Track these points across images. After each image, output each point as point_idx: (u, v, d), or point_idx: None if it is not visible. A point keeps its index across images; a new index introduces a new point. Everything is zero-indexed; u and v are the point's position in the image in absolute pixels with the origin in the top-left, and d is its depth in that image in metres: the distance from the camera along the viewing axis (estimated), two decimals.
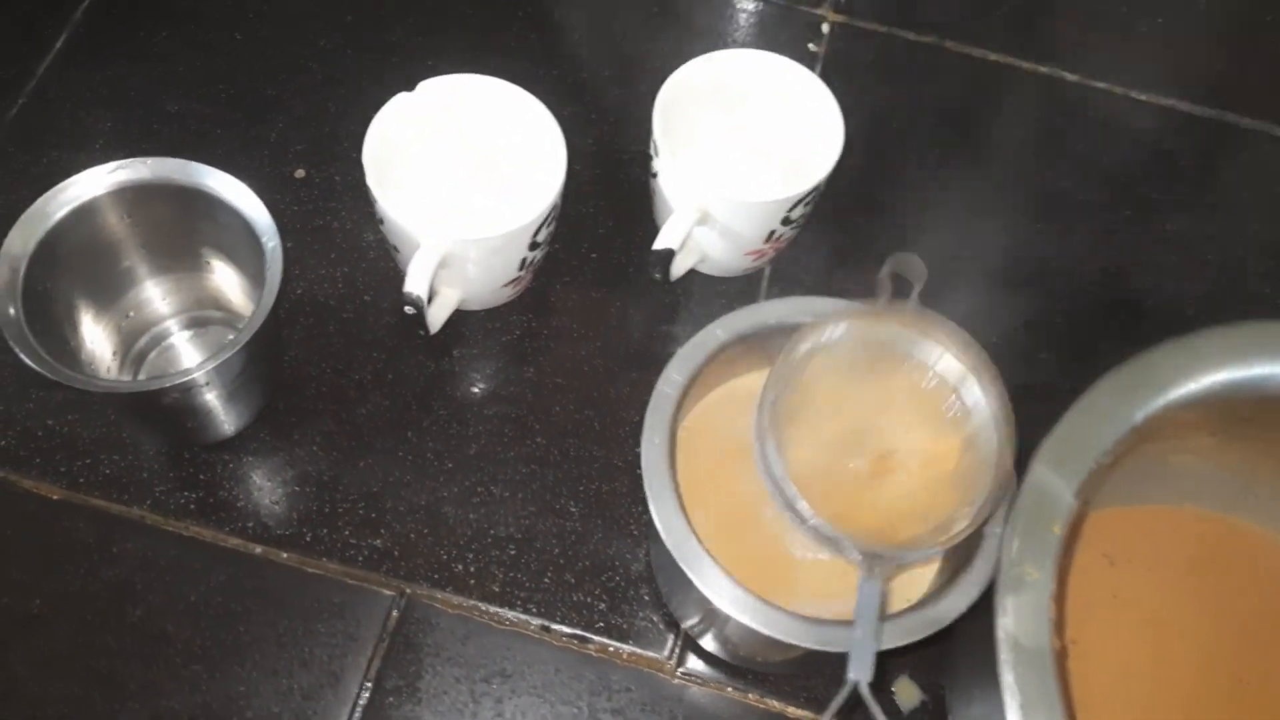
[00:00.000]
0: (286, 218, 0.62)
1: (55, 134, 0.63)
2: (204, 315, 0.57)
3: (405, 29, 0.69)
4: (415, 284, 0.51)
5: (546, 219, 0.54)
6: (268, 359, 0.54)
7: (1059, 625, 0.35)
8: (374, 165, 0.53)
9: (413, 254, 0.52)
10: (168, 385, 0.46)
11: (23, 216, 0.46)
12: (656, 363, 0.59)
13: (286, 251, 0.60)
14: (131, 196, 0.49)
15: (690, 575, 0.43)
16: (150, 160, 0.49)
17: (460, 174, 0.60)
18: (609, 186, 0.65)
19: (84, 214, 0.48)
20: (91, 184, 0.48)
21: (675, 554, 0.44)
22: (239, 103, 0.65)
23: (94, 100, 0.65)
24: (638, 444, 0.57)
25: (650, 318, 0.61)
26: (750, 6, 0.72)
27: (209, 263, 0.54)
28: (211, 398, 0.50)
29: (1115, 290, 0.64)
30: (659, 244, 0.55)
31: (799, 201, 0.55)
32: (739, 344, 0.49)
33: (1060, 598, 0.36)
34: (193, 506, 0.54)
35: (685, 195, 0.55)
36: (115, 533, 0.54)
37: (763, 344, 0.50)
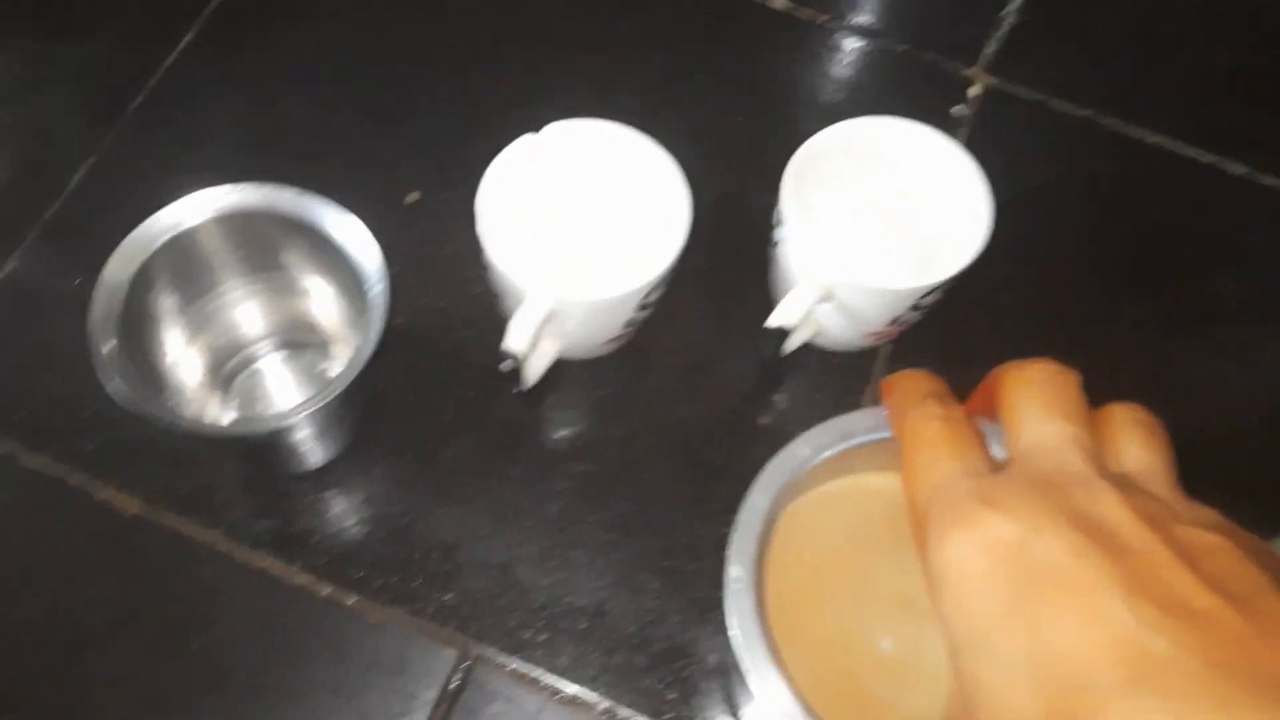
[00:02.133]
0: (393, 242, 0.59)
1: (175, 128, 0.63)
2: (295, 338, 0.56)
3: (537, 54, 0.66)
4: (516, 340, 0.49)
5: (659, 283, 0.51)
6: (359, 398, 0.53)
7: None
8: (488, 209, 0.51)
9: (516, 306, 0.50)
10: (257, 430, 0.44)
11: (123, 244, 0.45)
12: (755, 436, 0.57)
13: (389, 281, 0.59)
14: (236, 224, 0.48)
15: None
16: (261, 187, 0.48)
17: (577, 224, 0.57)
18: (728, 242, 0.62)
19: (185, 241, 0.47)
20: (195, 210, 0.47)
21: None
22: (361, 111, 0.64)
23: (217, 96, 0.64)
24: (726, 524, 0.54)
25: (755, 388, 0.58)
26: (895, 57, 0.68)
27: (305, 287, 0.53)
28: (299, 437, 0.49)
29: None
30: (773, 321, 0.52)
31: (932, 290, 0.51)
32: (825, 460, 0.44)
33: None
34: (267, 537, 0.53)
35: (807, 272, 0.52)
36: (187, 556, 0.53)
37: (849, 459, 0.44)
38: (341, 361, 0.56)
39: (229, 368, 0.54)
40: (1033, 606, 0.26)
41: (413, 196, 0.62)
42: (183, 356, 0.50)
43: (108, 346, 0.43)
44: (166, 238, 0.46)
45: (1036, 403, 0.31)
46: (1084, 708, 0.24)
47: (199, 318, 0.51)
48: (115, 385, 0.42)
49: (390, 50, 0.66)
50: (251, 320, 0.54)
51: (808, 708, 0.36)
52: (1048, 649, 0.25)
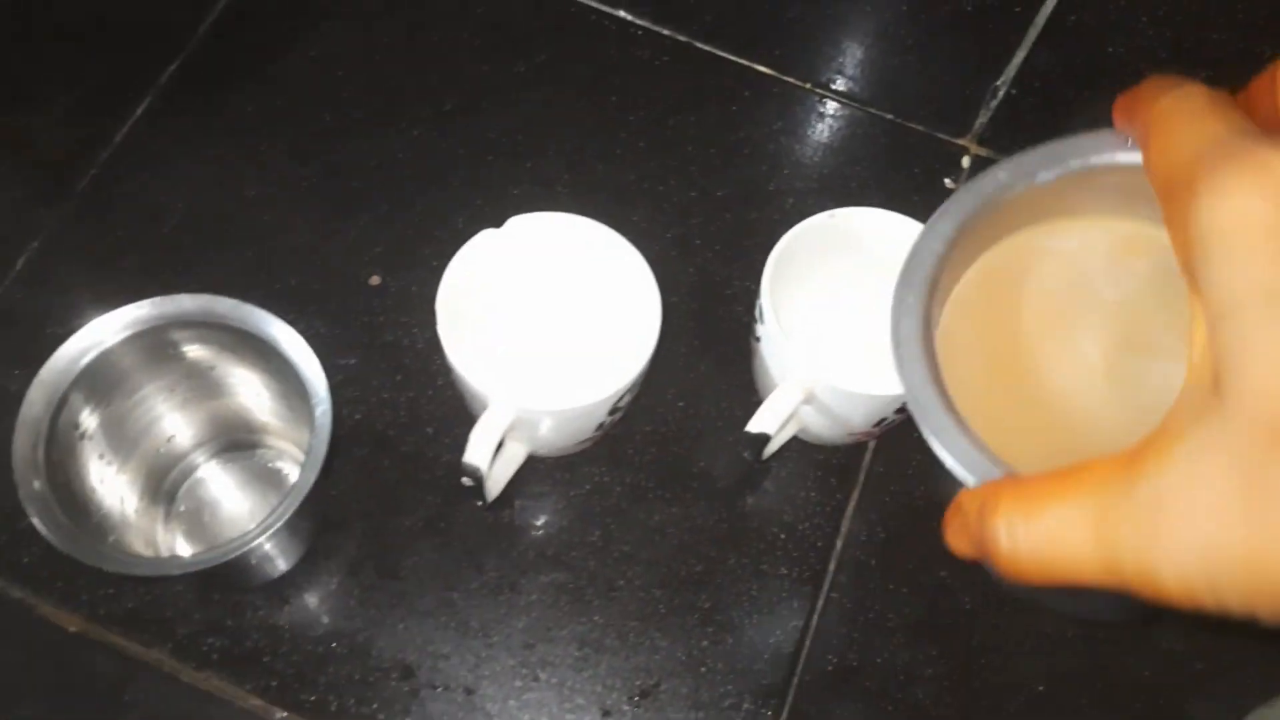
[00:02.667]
0: (355, 329, 0.57)
1: (125, 212, 0.59)
2: (234, 440, 0.53)
3: (505, 123, 0.63)
4: (477, 455, 0.46)
5: (630, 388, 0.48)
6: (314, 505, 0.49)
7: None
8: (448, 309, 0.48)
9: (480, 411, 0.47)
10: (195, 569, 0.41)
11: (40, 374, 0.42)
12: (736, 540, 0.54)
13: (348, 369, 0.56)
14: (154, 339, 0.45)
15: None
16: (195, 298, 0.45)
17: (543, 325, 0.54)
18: (707, 325, 0.59)
19: (103, 363, 0.44)
20: (111, 330, 0.44)
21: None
22: (320, 192, 0.61)
23: (170, 177, 0.60)
24: (706, 638, 0.52)
25: (736, 486, 0.55)
26: (884, 125, 0.65)
27: (234, 385, 0.50)
28: (247, 559, 0.45)
29: None
30: (754, 426, 0.49)
31: None
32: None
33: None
34: (216, 656, 0.50)
35: (789, 374, 0.49)
36: (132, 676, 0.49)
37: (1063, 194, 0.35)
38: (286, 455, 0.53)
39: (169, 483, 0.51)
40: None
41: (374, 280, 0.59)
42: (116, 481, 0.47)
43: (36, 484, 0.40)
44: (85, 362, 0.43)
45: None
46: None
47: (128, 437, 0.48)
48: (48, 528, 0.39)
49: (354, 124, 0.63)
50: (183, 430, 0.51)
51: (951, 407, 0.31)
52: None
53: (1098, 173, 0.33)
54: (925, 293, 0.33)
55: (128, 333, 0.44)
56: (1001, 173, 0.33)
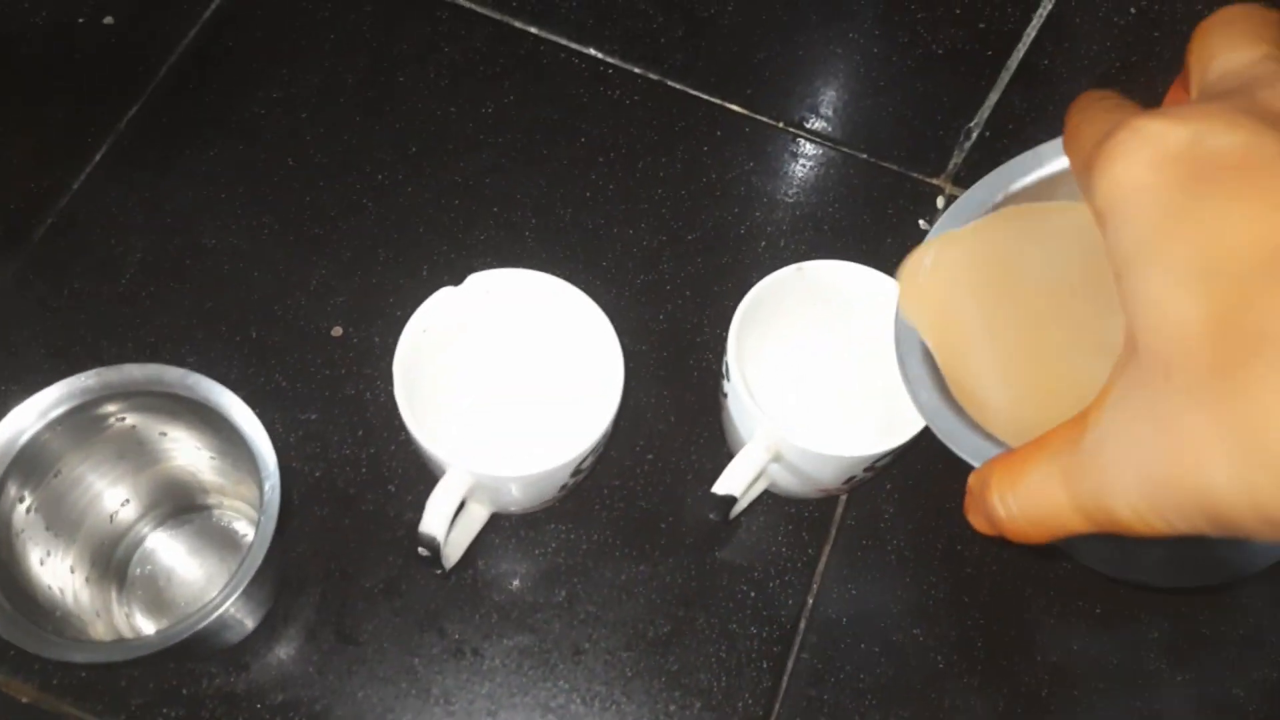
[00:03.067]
0: (316, 383, 0.56)
1: (82, 264, 0.58)
2: (183, 504, 0.52)
3: (471, 166, 0.62)
4: (432, 524, 0.45)
5: (593, 449, 0.47)
6: (271, 569, 0.48)
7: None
8: (405, 371, 0.47)
9: (438, 475, 0.46)
10: (147, 654, 0.40)
11: None
12: (706, 599, 0.53)
13: (308, 424, 0.54)
14: (83, 418, 0.44)
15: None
16: (141, 368, 0.44)
17: (504, 383, 0.53)
18: (677, 374, 0.58)
19: (33, 447, 0.43)
20: (37, 413, 0.43)
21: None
22: (282, 240, 0.59)
23: (127, 224, 0.59)
24: (674, 704, 0.51)
25: (704, 541, 0.54)
26: (858, 165, 0.63)
27: (186, 454, 0.49)
28: (201, 633, 0.44)
29: None
30: (720, 488, 0.47)
31: (884, 456, 0.47)
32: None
33: None
34: None
35: (755, 433, 0.48)
36: None
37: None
38: (240, 515, 0.52)
39: (119, 554, 0.50)
40: (1204, 202, 0.24)
41: (336, 331, 0.57)
42: (64, 556, 0.46)
43: None
44: (14, 452, 0.42)
45: (1235, 32, 0.28)
46: (1255, 297, 0.22)
47: (73, 512, 0.46)
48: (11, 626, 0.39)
49: (316, 170, 0.61)
50: (130, 499, 0.50)
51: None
52: (1219, 242, 0.23)
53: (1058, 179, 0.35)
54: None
55: (68, 406, 0.43)
56: (979, 191, 0.36)
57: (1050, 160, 0.35)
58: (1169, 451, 0.24)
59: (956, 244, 0.36)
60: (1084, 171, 0.28)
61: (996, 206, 0.36)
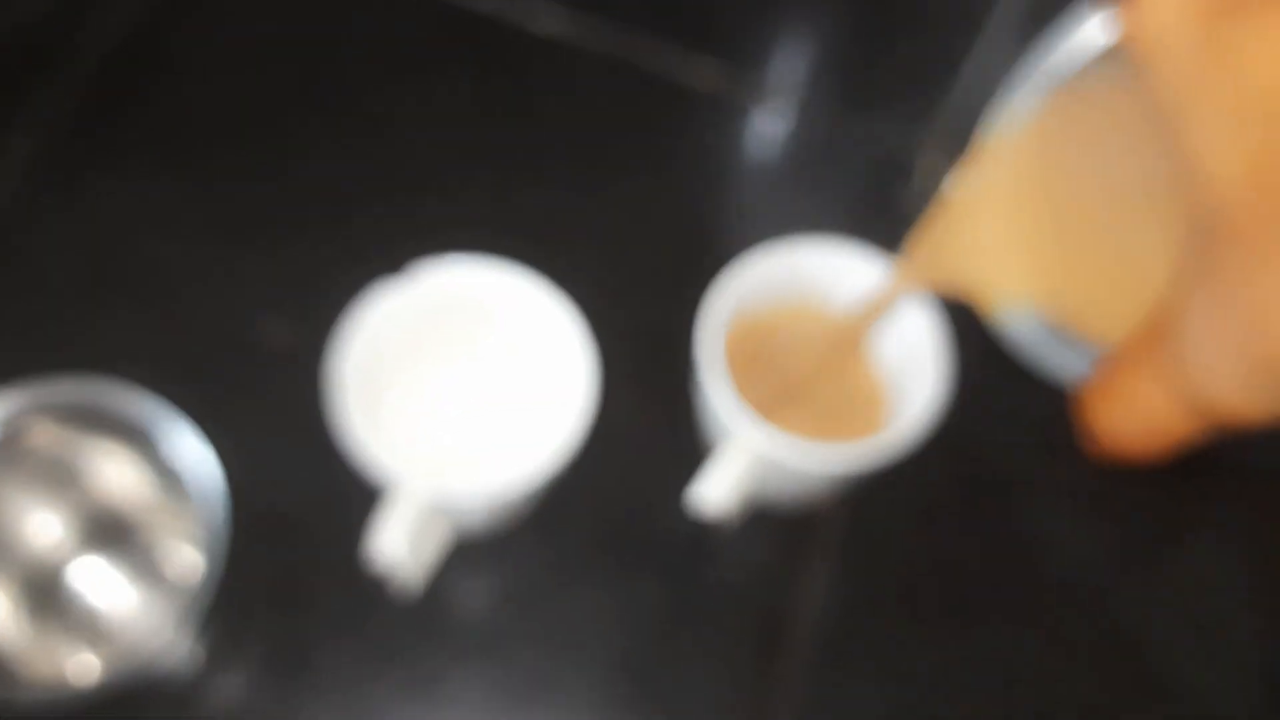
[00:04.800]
0: (261, 397, 0.52)
1: (7, 277, 0.54)
2: (114, 532, 0.48)
3: (424, 156, 0.58)
4: (389, 547, 0.41)
5: (565, 461, 0.43)
6: (213, 612, 0.44)
7: None
8: (345, 379, 0.43)
9: (392, 494, 0.42)
10: (95, 693, 0.37)
11: None
12: (684, 619, 0.49)
13: (251, 442, 0.51)
14: (21, 431, 0.41)
15: None
16: (69, 385, 0.40)
17: (460, 390, 0.49)
18: (649, 371, 0.54)
19: None
20: None
21: None
22: (217, 243, 0.55)
23: (56, 235, 0.55)
24: None
25: (684, 555, 0.51)
26: (831, 140, 0.60)
27: (113, 475, 0.45)
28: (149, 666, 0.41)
29: None
30: (698, 492, 0.44)
31: (875, 451, 0.44)
32: None
33: None
34: None
35: (732, 437, 0.44)
36: None
37: None
38: (178, 538, 0.48)
39: (53, 590, 0.46)
40: (1229, 41, 0.23)
41: (280, 339, 0.53)
42: None
43: None
44: None
45: None
46: None
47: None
48: None
49: (253, 165, 0.57)
50: (58, 529, 0.46)
51: None
52: (1250, 84, 0.23)
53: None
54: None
55: None
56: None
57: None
58: (1255, 326, 0.23)
59: (999, 162, 0.37)
60: (1123, 23, 0.27)
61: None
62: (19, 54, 0.59)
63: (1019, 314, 0.36)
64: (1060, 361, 0.35)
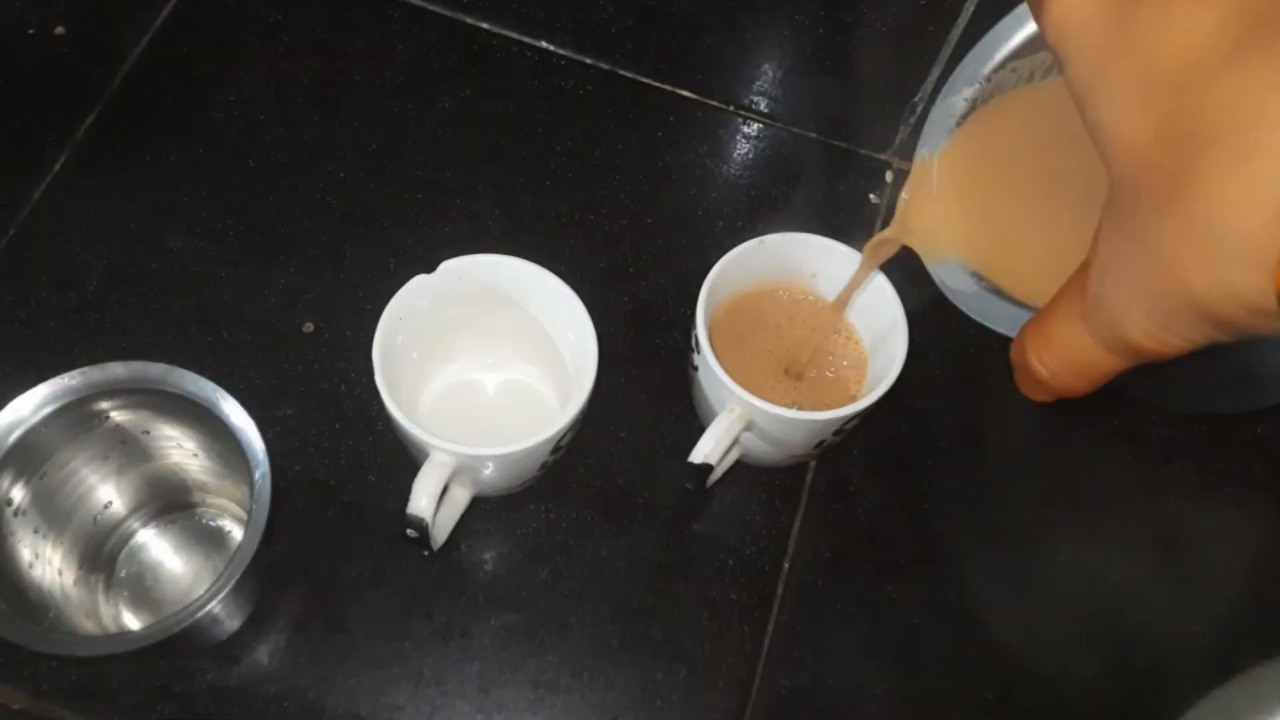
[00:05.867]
0: (290, 379, 0.57)
1: (47, 274, 0.58)
2: (171, 502, 0.52)
3: (431, 160, 0.63)
4: (419, 505, 0.46)
5: (571, 426, 0.48)
6: (256, 571, 0.49)
7: None
8: (384, 358, 0.48)
9: (421, 459, 0.47)
10: (140, 646, 0.41)
11: None
12: (684, 569, 0.54)
13: (285, 420, 0.55)
14: (79, 413, 0.44)
15: None
16: (125, 365, 0.44)
17: (481, 367, 0.54)
18: (645, 353, 0.59)
19: (28, 441, 0.43)
20: (39, 402, 0.43)
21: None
22: (248, 240, 0.60)
23: (91, 232, 0.59)
24: (659, 670, 0.52)
25: (681, 513, 0.56)
26: (810, 145, 0.65)
27: (174, 450, 0.49)
28: (193, 627, 0.45)
29: None
30: (695, 457, 0.49)
31: (855, 416, 0.49)
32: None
33: None
34: None
35: (728, 402, 0.49)
36: None
37: None
38: (225, 513, 0.52)
39: (107, 551, 0.50)
40: (1136, 20, 0.25)
41: (308, 327, 0.58)
42: (52, 555, 0.46)
43: None
44: (12, 439, 0.42)
45: None
46: (1191, 100, 0.24)
47: (61, 510, 0.47)
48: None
49: (277, 170, 0.62)
50: (118, 497, 0.50)
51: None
52: (1153, 55, 0.25)
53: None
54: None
55: (56, 405, 0.43)
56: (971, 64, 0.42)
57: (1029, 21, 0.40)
58: (1152, 268, 0.25)
59: (951, 153, 0.41)
60: (1039, 17, 0.29)
61: (991, 73, 0.41)
62: (49, 72, 0.63)
63: (959, 278, 0.41)
64: (1002, 319, 0.39)
